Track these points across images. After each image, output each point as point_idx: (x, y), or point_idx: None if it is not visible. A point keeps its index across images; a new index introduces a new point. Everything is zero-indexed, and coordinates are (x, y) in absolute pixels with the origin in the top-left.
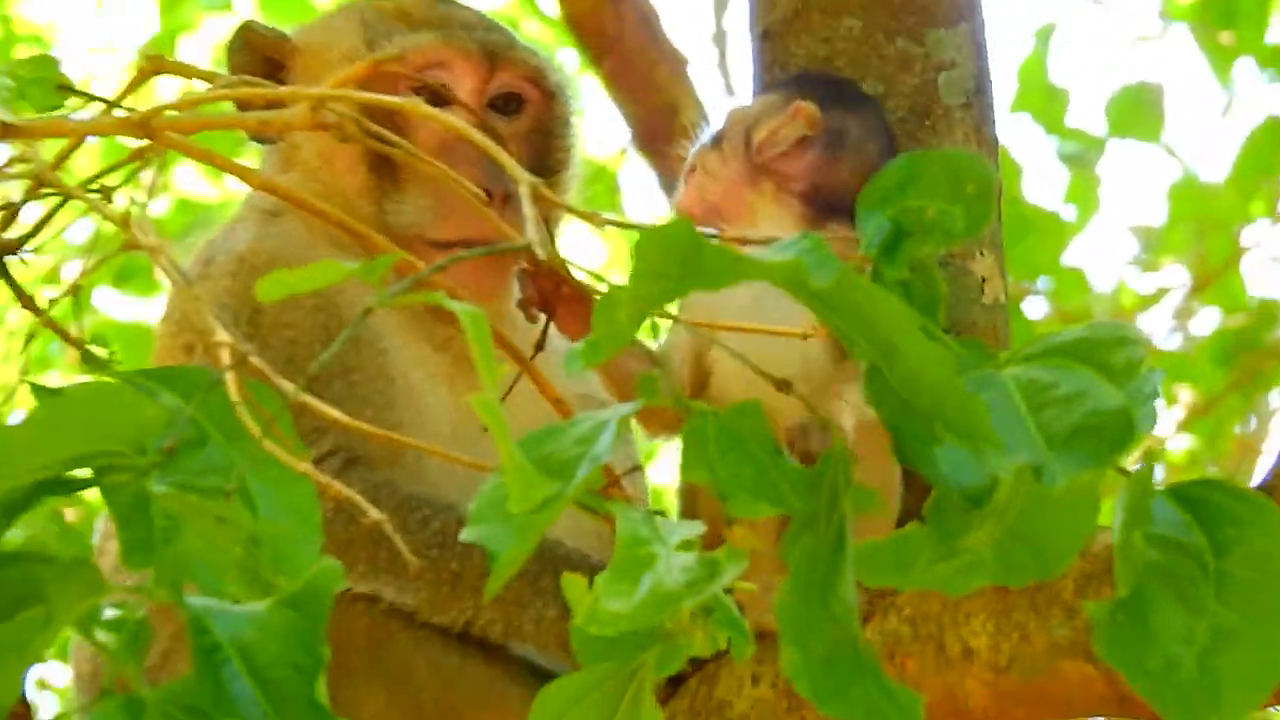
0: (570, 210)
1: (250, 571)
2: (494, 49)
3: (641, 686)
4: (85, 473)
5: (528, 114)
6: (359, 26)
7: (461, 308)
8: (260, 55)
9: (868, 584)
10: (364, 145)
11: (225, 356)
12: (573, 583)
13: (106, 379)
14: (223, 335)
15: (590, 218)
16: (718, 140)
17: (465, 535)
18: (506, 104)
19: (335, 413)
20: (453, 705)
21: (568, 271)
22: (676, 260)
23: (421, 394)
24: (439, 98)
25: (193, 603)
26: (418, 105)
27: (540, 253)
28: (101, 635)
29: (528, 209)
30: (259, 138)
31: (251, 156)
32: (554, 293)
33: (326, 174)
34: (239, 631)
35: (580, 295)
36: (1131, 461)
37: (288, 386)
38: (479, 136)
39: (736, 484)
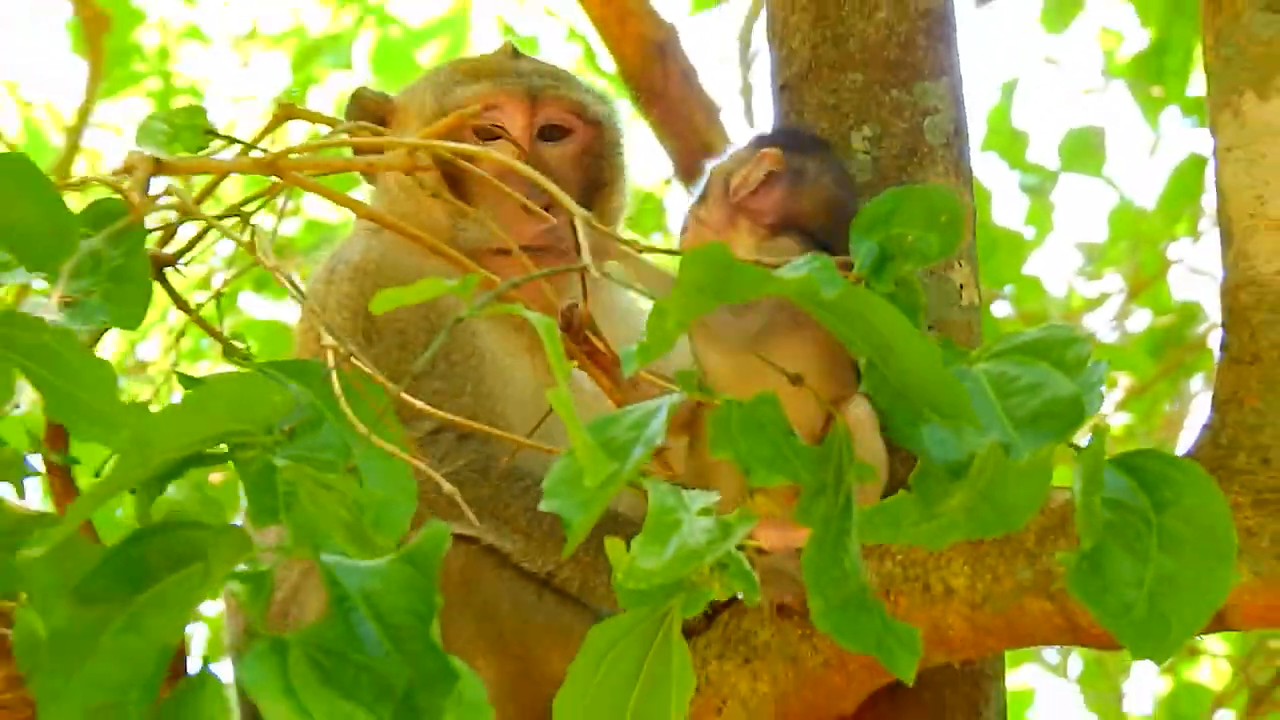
0: (616, 238)
1: (356, 532)
2: (537, 90)
3: (671, 625)
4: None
5: (575, 140)
6: (432, 86)
7: (536, 318)
8: (369, 114)
9: (865, 541)
10: (439, 177)
11: (330, 356)
12: (614, 545)
13: (244, 369)
14: (329, 339)
15: (631, 244)
16: (703, 194)
17: (543, 506)
18: (553, 134)
19: (424, 405)
20: (528, 638)
21: (595, 331)
22: (713, 277)
23: (508, 366)
24: (495, 134)
25: (326, 559)
26: (483, 151)
27: (594, 273)
28: (232, 585)
29: (581, 236)
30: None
31: (358, 189)
32: (581, 348)
33: (412, 201)
34: (365, 583)
35: (602, 351)
36: (1082, 438)
37: (390, 382)
38: (524, 168)
39: (756, 460)
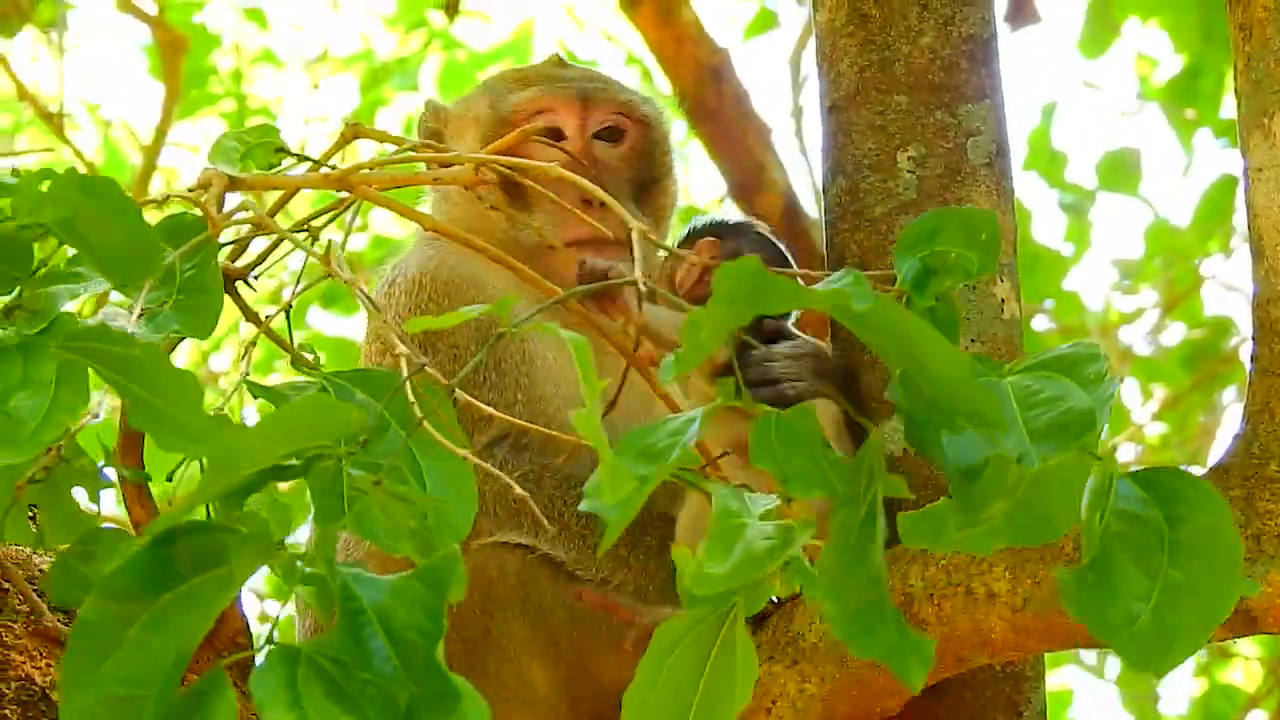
0: (667, 249)
1: (423, 538)
2: (588, 93)
3: (735, 621)
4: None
5: (627, 140)
6: (485, 94)
7: (569, 336)
8: (430, 128)
9: (910, 546)
10: (498, 183)
11: (404, 365)
12: (680, 551)
13: (316, 382)
14: (402, 348)
15: (679, 256)
16: (652, 293)
17: (582, 506)
18: (608, 134)
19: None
20: (580, 643)
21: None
22: (746, 290)
23: (559, 369)
24: (553, 135)
25: (343, 571)
26: (545, 166)
27: (643, 288)
28: (299, 588)
29: (636, 249)
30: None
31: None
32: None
33: (472, 206)
34: (379, 598)
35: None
36: (1104, 451)
37: (455, 389)
38: (588, 184)
39: (793, 471)
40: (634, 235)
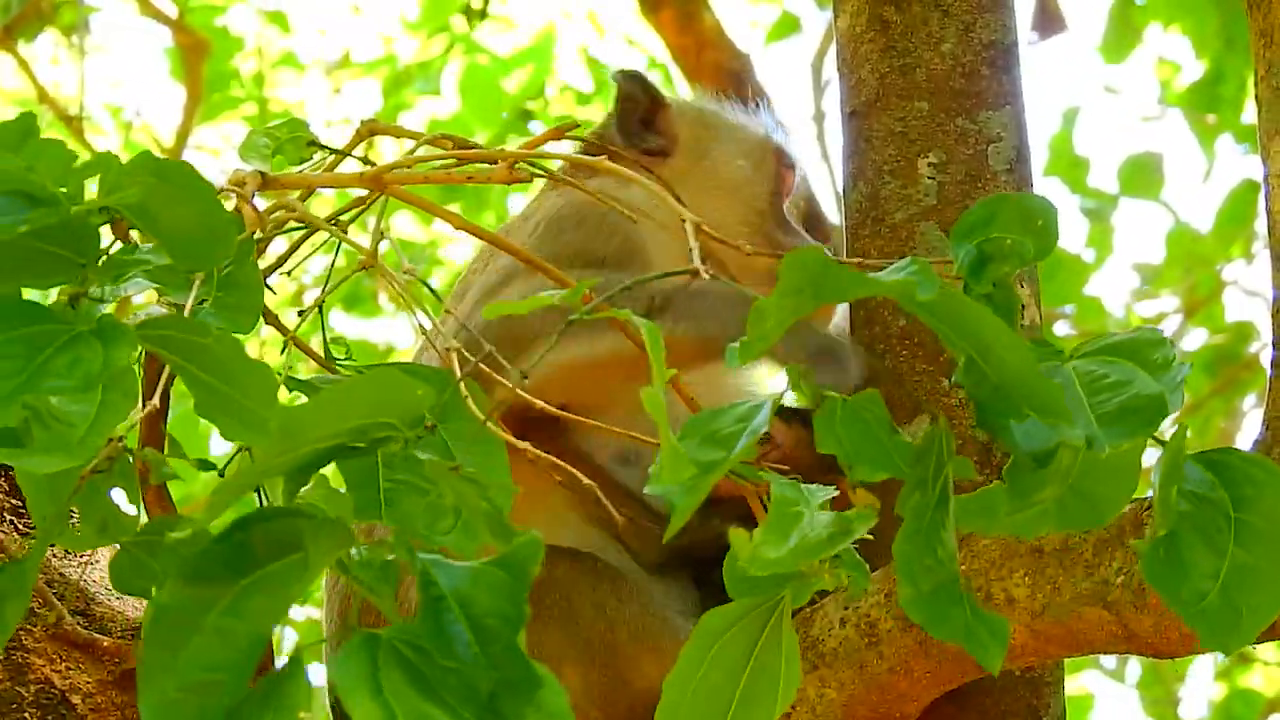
0: (724, 242)
1: (496, 522)
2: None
3: (782, 614)
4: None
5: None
6: None
7: (642, 322)
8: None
9: (961, 530)
10: None
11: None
12: (737, 534)
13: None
14: (453, 343)
15: (739, 248)
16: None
17: (648, 489)
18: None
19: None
20: (614, 647)
21: None
22: (811, 279)
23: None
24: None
25: (423, 558)
26: (598, 161)
27: (704, 275)
28: (357, 575)
29: (691, 240)
30: None
31: (457, 205)
32: None
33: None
34: (459, 584)
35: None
36: (1164, 435)
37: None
38: (656, 188)
39: (859, 455)
40: (688, 226)
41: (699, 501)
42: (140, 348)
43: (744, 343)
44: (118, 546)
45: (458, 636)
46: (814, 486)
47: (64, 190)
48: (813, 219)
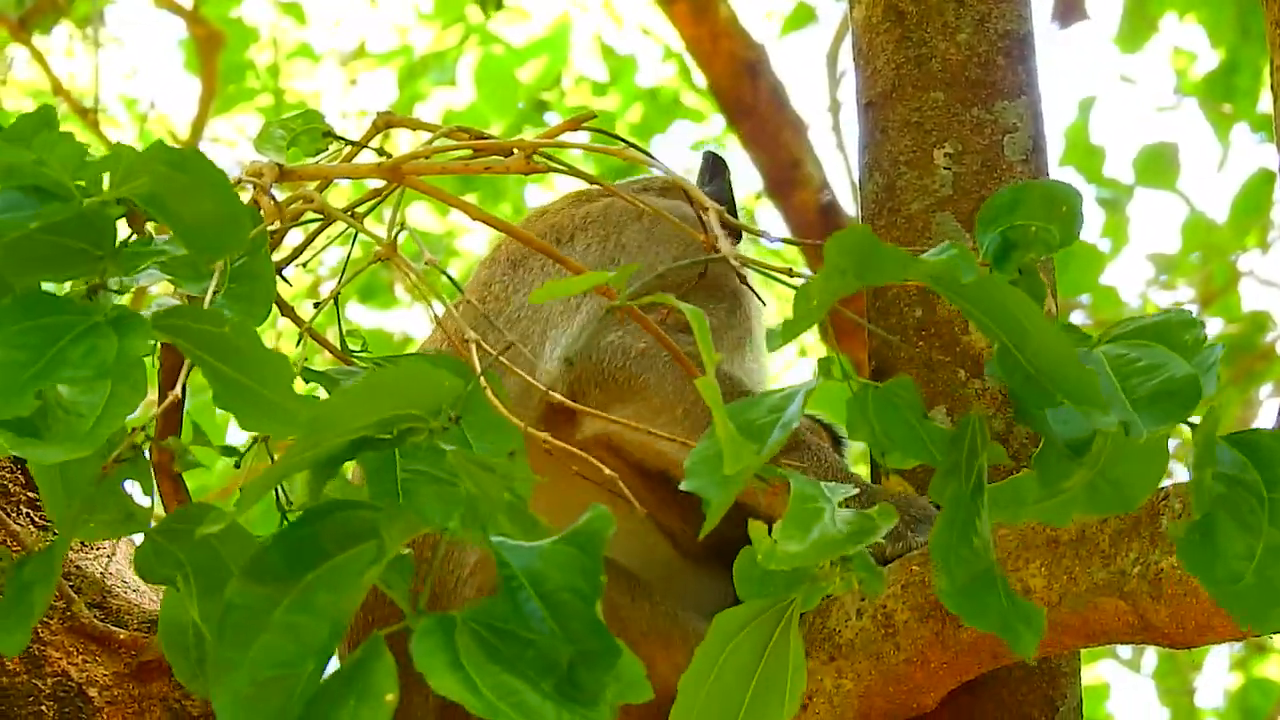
0: (748, 230)
1: (518, 513)
2: None
3: (791, 618)
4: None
5: None
6: None
7: (688, 309)
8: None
9: (991, 518)
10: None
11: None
12: (756, 528)
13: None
14: (472, 334)
15: (762, 233)
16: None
17: (683, 486)
18: None
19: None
20: (625, 640)
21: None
22: (855, 259)
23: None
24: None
25: (496, 540)
26: (620, 149)
27: (734, 264)
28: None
29: (715, 228)
30: None
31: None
32: None
33: None
34: (531, 563)
35: None
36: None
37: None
38: (679, 177)
39: (891, 442)
40: (712, 216)
41: (734, 497)
42: (156, 339)
43: (786, 323)
44: (135, 539)
45: (533, 614)
46: (834, 484)
47: (80, 183)
48: None
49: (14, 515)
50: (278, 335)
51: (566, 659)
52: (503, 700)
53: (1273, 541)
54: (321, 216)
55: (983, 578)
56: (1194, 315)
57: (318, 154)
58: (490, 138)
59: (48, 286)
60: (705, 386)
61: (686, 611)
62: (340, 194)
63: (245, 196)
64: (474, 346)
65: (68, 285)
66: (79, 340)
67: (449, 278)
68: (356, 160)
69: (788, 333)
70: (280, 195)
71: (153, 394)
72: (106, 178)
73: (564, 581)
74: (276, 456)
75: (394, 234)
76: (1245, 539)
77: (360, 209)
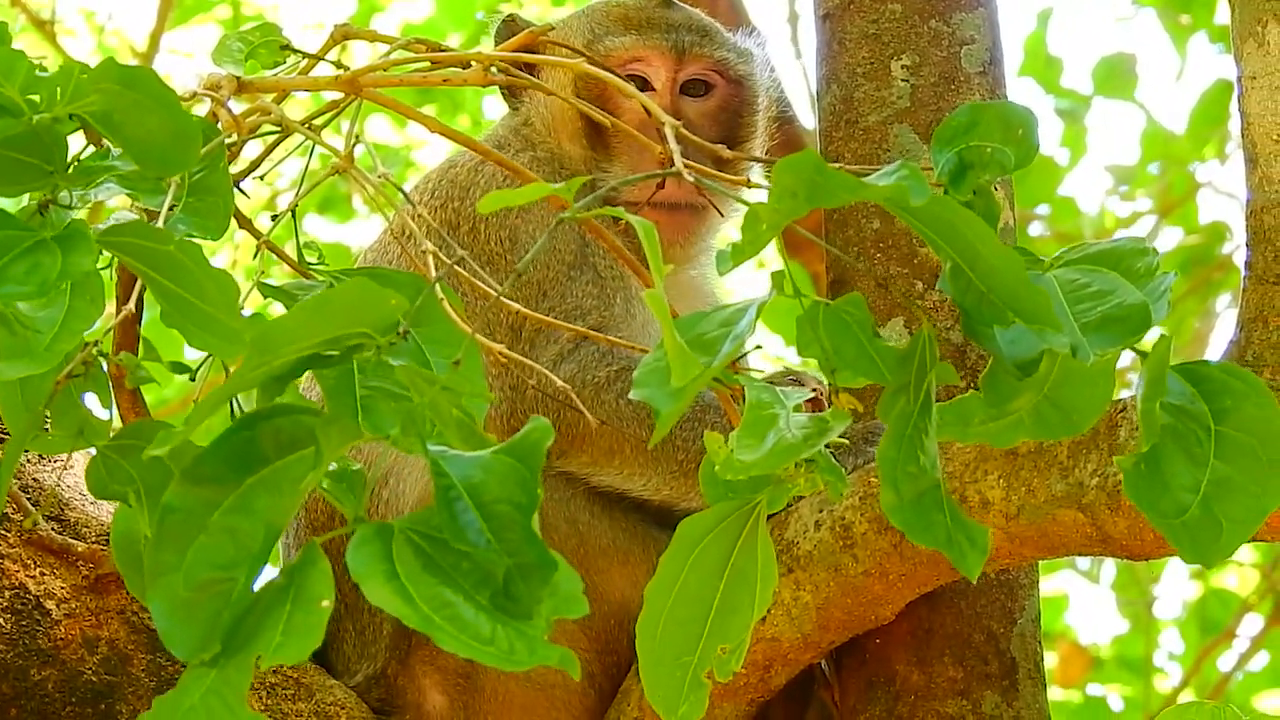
0: (705, 147)
1: (465, 427)
2: (684, 47)
3: (758, 519)
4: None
5: (715, 97)
6: (582, 29)
7: (638, 220)
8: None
9: (937, 437)
10: (581, 122)
11: (431, 263)
12: (713, 438)
13: (325, 280)
14: (428, 245)
15: (720, 150)
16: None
17: (632, 395)
18: (695, 89)
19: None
20: (586, 558)
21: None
22: (805, 182)
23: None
24: (641, 85)
25: (434, 450)
26: (583, 66)
27: (687, 176)
28: (326, 483)
29: (672, 143)
30: (512, 103)
31: (431, 108)
32: None
33: (553, 142)
34: (469, 474)
35: None
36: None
37: (495, 287)
38: (663, 114)
39: (841, 360)
40: (668, 130)
41: (684, 408)
42: (109, 255)
43: (735, 246)
44: (93, 451)
45: (470, 525)
46: (789, 388)
47: (33, 98)
48: None
49: None
50: (236, 248)
51: (503, 572)
52: (437, 613)
53: (1219, 474)
54: (279, 129)
55: (929, 494)
56: (1147, 242)
57: (275, 66)
58: (448, 50)
59: (2, 203)
60: (652, 299)
61: (650, 526)
62: (298, 106)
63: (203, 109)
64: (430, 258)
65: (26, 199)
66: (22, 256)
67: (402, 192)
68: (314, 73)
69: (737, 255)
70: (238, 108)
71: (111, 308)
72: (59, 93)
73: (502, 493)
74: (232, 371)
75: (351, 146)
76: (1192, 471)
77: (318, 121)
